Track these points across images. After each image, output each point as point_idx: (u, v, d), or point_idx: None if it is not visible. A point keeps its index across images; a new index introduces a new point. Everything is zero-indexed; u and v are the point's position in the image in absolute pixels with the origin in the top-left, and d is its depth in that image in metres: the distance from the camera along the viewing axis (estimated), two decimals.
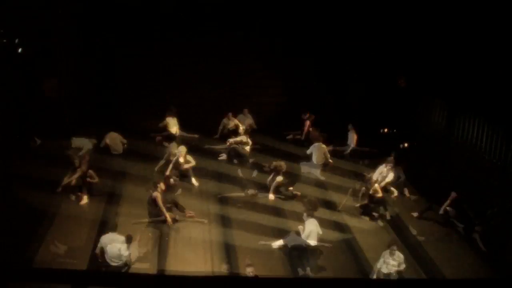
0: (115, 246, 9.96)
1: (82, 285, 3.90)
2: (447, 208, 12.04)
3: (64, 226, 11.25)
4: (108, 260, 9.96)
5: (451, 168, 14.48)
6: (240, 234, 11.24)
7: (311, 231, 10.69)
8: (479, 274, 10.34)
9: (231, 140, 15.22)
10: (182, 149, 13.79)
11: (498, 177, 12.75)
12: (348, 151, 15.96)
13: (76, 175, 12.54)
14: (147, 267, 10.05)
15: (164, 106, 17.00)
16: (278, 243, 10.92)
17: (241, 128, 16.20)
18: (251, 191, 12.82)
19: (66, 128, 15.63)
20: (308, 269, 10.16)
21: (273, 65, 17.51)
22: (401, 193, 13.42)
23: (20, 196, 12.04)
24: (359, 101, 17.70)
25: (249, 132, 16.20)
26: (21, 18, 14.48)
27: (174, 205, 11.82)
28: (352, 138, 16.04)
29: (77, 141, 15.22)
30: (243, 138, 15.34)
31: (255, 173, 14.14)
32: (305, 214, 11.10)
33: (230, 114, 16.77)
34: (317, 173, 14.49)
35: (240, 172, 14.28)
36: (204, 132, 16.65)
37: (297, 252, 10.57)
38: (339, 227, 11.89)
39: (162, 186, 11.74)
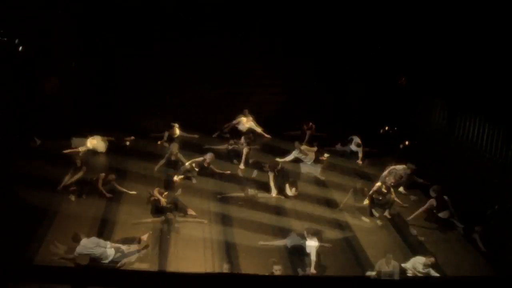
0: (99, 249, 9.98)
1: (82, 283, 3.90)
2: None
3: (64, 226, 11.24)
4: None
5: (451, 167, 14.48)
6: (240, 233, 11.24)
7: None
8: (479, 274, 10.33)
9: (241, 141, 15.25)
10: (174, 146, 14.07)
11: (499, 176, 12.75)
12: (349, 151, 15.92)
13: (78, 176, 12.54)
14: (147, 267, 10.05)
15: (164, 106, 17.02)
16: (278, 243, 10.93)
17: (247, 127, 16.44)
18: (251, 191, 12.81)
19: (66, 128, 15.65)
20: (308, 269, 10.16)
21: (273, 65, 17.51)
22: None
23: (20, 196, 12.05)
24: (359, 101, 17.71)
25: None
26: (21, 18, 14.48)
27: (174, 206, 11.81)
28: (356, 142, 15.90)
29: (76, 141, 15.23)
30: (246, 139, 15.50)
31: (255, 173, 14.13)
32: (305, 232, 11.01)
33: (246, 110, 16.80)
34: (317, 173, 14.48)
35: (240, 172, 14.27)
36: (204, 132, 16.66)
37: (297, 252, 10.57)
38: (340, 226, 11.89)
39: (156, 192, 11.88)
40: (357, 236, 11.50)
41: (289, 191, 13.09)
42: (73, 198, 12.34)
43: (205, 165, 13.88)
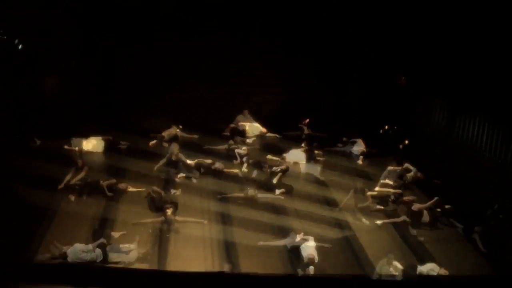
0: (86, 255, 10.04)
1: (82, 283, 3.91)
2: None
3: (64, 226, 11.24)
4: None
5: (451, 167, 14.48)
6: (240, 233, 11.23)
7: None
8: (479, 274, 10.33)
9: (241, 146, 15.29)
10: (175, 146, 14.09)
11: (499, 176, 12.75)
12: (349, 151, 15.90)
13: (80, 176, 12.53)
14: (147, 266, 10.05)
15: (164, 106, 17.03)
16: (278, 243, 10.93)
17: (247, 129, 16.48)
18: (251, 191, 12.81)
19: (66, 128, 15.65)
20: (307, 269, 10.15)
21: (273, 65, 17.52)
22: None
23: (20, 196, 12.04)
24: (359, 101, 17.71)
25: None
26: (21, 18, 14.49)
27: (174, 207, 11.81)
28: (359, 147, 15.89)
29: (76, 142, 15.23)
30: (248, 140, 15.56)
31: (255, 173, 14.12)
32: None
33: (246, 111, 16.82)
34: (316, 173, 14.48)
35: (239, 172, 14.26)
36: (204, 132, 16.66)
37: (297, 252, 10.57)
38: (340, 225, 11.89)
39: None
40: (357, 236, 11.50)
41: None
42: (72, 198, 12.33)
43: (212, 168, 13.92)
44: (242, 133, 16.66)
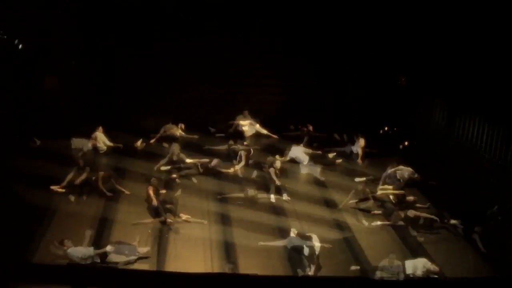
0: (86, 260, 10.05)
1: (82, 283, 3.90)
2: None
3: (64, 225, 11.24)
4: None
5: (451, 167, 14.48)
6: (240, 234, 11.23)
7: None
8: (479, 274, 10.33)
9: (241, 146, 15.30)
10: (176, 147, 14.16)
11: (498, 176, 12.75)
12: (349, 152, 15.89)
13: (83, 177, 12.53)
14: (147, 267, 10.05)
15: (164, 106, 17.03)
16: (278, 243, 10.93)
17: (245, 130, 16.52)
18: (251, 191, 12.81)
19: (66, 128, 15.65)
20: (307, 269, 10.15)
21: (273, 65, 17.53)
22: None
23: (19, 196, 12.04)
24: (359, 101, 17.71)
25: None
26: (21, 18, 14.49)
27: (174, 207, 11.81)
28: (358, 145, 15.89)
29: (76, 142, 15.23)
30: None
31: (255, 173, 14.12)
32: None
33: (246, 111, 16.83)
34: (316, 173, 14.47)
35: (240, 172, 14.26)
36: (204, 132, 16.67)
37: (297, 253, 10.56)
38: (339, 226, 11.89)
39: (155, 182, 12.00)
40: (357, 236, 11.49)
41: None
42: (72, 198, 12.33)
43: (209, 166, 13.90)
44: (241, 134, 16.64)
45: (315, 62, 17.52)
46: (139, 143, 15.43)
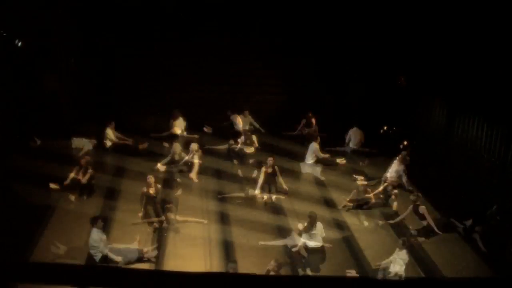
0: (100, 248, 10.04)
1: (82, 283, 3.90)
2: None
3: (64, 225, 11.24)
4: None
5: (451, 167, 14.48)
6: (240, 233, 11.24)
7: (316, 234, 10.69)
8: (479, 274, 10.33)
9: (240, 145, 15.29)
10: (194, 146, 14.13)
11: (498, 176, 12.75)
12: (349, 151, 15.91)
13: (87, 176, 12.54)
14: (147, 266, 10.05)
15: (164, 106, 17.03)
16: (278, 243, 10.93)
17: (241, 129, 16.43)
18: (251, 191, 12.81)
19: (66, 128, 15.66)
20: (308, 269, 10.16)
21: (273, 65, 17.54)
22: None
23: (19, 195, 12.05)
24: (359, 101, 17.71)
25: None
26: (21, 18, 14.49)
27: (174, 206, 11.81)
28: (355, 139, 15.96)
29: (77, 141, 15.24)
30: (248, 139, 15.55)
31: (255, 173, 14.12)
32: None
33: (246, 111, 16.83)
34: (316, 173, 14.47)
35: (240, 172, 14.27)
36: (204, 132, 16.68)
37: (297, 252, 10.58)
38: (339, 226, 11.90)
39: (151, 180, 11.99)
40: (357, 236, 11.50)
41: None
42: (72, 197, 12.34)
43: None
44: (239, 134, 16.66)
45: (315, 62, 17.53)
46: (142, 145, 15.40)
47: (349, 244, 11.24)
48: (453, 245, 11.38)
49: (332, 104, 17.87)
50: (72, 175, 12.55)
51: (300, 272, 10.10)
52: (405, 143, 15.90)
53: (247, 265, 10.06)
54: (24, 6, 14.50)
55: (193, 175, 13.67)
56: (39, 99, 15.91)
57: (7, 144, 14.30)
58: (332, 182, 13.92)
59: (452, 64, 14.37)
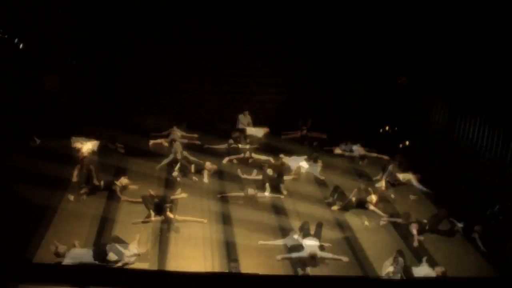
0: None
1: (82, 283, 3.90)
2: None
3: (64, 225, 11.24)
4: None
5: (451, 167, 14.48)
6: (240, 233, 11.23)
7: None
8: (479, 273, 10.33)
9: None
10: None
11: (499, 176, 12.74)
12: (357, 155, 15.78)
13: (95, 178, 12.57)
14: (147, 266, 10.05)
15: (164, 106, 17.04)
16: (277, 242, 10.93)
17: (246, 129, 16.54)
18: (251, 191, 12.81)
19: (66, 128, 15.66)
20: (308, 268, 10.15)
21: (273, 65, 17.53)
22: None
23: (19, 195, 12.03)
24: (359, 101, 17.71)
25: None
26: (21, 18, 14.50)
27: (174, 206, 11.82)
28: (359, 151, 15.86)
29: (77, 141, 15.23)
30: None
31: (255, 173, 14.12)
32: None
33: (247, 111, 16.84)
34: (316, 173, 14.47)
35: (240, 172, 14.26)
36: (204, 132, 16.66)
37: (297, 252, 10.56)
38: (340, 226, 11.89)
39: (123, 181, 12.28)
40: (357, 236, 11.49)
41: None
42: (72, 197, 12.33)
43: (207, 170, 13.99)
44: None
45: (315, 62, 17.52)
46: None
47: (349, 244, 11.23)
48: (453, 245, 11.39)
49: (332, 104, 17.87)
50: (75, 173, 12.56)
51: (300, 272, 10.08)
52: (406, 142, 15.93)
53: (247, 265, 10.06)
54: (25, 6, 14.49)
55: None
56: (39, 99, 15.91)
57: (7, 144, 14.28)
58: (332, 182, 13.91)
59: (452, 64, 14.36)
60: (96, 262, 9.92)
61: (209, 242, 10.92)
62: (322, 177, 14.23)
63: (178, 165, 13.83)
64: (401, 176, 13.79)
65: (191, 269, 9.46)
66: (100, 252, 10.04)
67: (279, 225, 11.71)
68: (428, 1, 15.03)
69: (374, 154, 15.56)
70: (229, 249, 10.70)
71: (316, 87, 17.88)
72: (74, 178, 12.70)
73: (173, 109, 17.10)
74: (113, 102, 17.15)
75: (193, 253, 10.52)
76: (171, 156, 14.14)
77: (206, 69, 17.53)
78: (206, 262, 10.24)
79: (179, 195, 12.63)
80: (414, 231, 11.33)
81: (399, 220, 11.87)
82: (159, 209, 11.61)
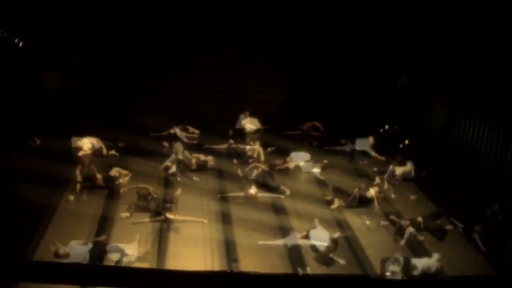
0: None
1: (82, 282, 3.90)
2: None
3: (64, 225, 11.25)
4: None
5: (451, 167, 14.48)
6: (240, 233, 11.24)
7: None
8: (479, 273, 10.33)
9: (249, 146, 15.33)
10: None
11: (499, 176, 12.74)
12: (348, 150, 15.85)
13: (98, 178, 12.58)
14: (147, 266, 10.05)
15: (164, 106, 17.03)
16: (277, 242, 10.93)
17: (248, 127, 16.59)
18: (251, 191, 12.80)
19: (66, 127, 15.66)
20: (308, 268, 10.15)
21: (274, 65, 17.52)
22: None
23: (19, 195, 12.03)
24: (359, 100, 17.70)
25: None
26: (21, 17, 14.49)
27: (174, 205, 11.81)
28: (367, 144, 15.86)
29: (77, 141, 15.23)
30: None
31: (255, 173, 14.10)
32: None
33: (247, 112, 16.85)
34: (316, 172, 14.46)
35: (240, 172, 14.26)
36: (204, 132, 16.67)
37: (297, 252, 10.57)
38: (340, 225, 11.89)
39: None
40: (357, 236, 11.49)
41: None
42: (72, 197, 12.34)
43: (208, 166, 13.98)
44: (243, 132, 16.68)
45: (315, 62, 17.51)
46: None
47: (349, 244, 11.23)
48: (453, 245, 11.39)
49: (332, 104, 17.85)
50: (78, 173, 12.58)
51: (300, 272, 10.08)
52: (406, 142, 15.93)
53: (247, 265, 10.06)
54: (25, 5, 14.49)
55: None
56: (39, 99, 15.90)
57: (7, 144, 14.28)
58: (332, 182, 13.91)
59: (452, 64, 14.36)
60: (95, 261, 9.94)
61: (209, 241, 10.92)
62: (322, 177, 14.22)
63: (178, 165, 13.82)
64: (402, 170, 13.78)
65: (191, 268, 9.46)
66: (99, 252, 10.05)
67: (279, 225, 11.71)
68: (428, 1, 15.02)
69: (374, 154, 15.56)
70: (229, 249, 10.71)
71: (316, 87, 17.87)
72: (78, 178, 12.67)
73: (173, 109, 17.09)
74: (113, 101, 17.15)
75: (193, 253, 10.52)
76: (173, 156, 14.14)
77: (206, 69, 17.52)
78: (206, 262, 10.25)
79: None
80: (407, 229, 11.36)
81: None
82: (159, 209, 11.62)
